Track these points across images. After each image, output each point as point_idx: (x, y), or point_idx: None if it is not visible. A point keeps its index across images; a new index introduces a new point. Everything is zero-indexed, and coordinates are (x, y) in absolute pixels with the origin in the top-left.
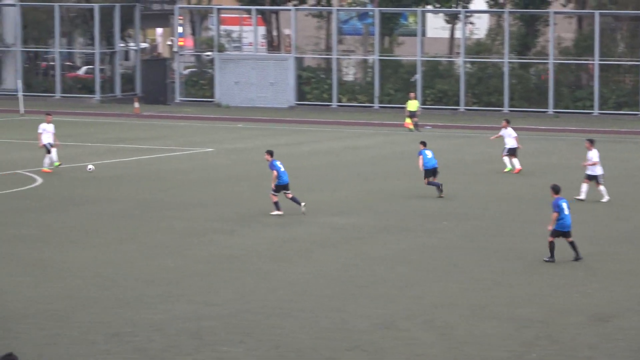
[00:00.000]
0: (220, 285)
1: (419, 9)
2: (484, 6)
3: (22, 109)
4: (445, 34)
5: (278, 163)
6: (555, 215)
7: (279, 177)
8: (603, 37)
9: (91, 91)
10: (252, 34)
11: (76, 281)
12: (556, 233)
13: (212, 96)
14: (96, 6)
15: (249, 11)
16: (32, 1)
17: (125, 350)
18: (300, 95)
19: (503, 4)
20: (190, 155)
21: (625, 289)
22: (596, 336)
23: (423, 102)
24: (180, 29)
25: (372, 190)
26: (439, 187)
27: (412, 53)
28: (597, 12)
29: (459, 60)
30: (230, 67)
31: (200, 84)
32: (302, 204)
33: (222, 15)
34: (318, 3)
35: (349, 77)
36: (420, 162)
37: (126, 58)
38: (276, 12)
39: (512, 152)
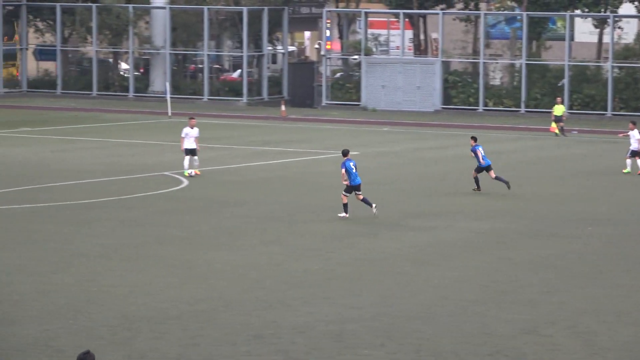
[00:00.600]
0: (363, 288)
1: (567, 14)
2: (633, 11)
3: (169, 111)
4: (593, 39)
5: (351, 164)
6: None
7: (350, 178)
8: None
9: (238, 94)
10: (399, 37)
11: (220, 282)
12: None
13: (358, 99)
14: (245, 9)
15: (396, 15)
16: (182, 4)
17: (267, 352)
18: (446, 99)
19: None
20: (335, 158)
21: None
22: None
23: (570, 107)
24: (328, 33)
25: (516, 194)
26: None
27: (559, 57)
28: None
29: (607, 65)
30: (377, 71)
31: (347, 87)
32: (374, 205)
33: (370, 18)
34: (466, 7)
35: (496, 81)
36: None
37: (274, 61)
38: (424, 15)
39: (635, 154)
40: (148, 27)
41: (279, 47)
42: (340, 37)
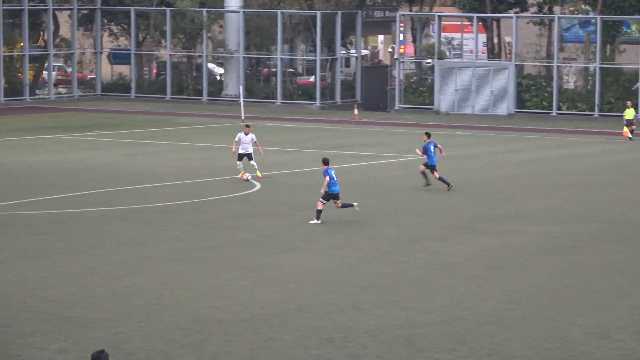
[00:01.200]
0: (435, 292)
1: None
2: None
3: (243, 115)
4: None
5: (332, 172)
6: None
7: (329, 185)
8: None
9: (311, 97)
10: (473, 41)
11: (292, 286)
12: None
13: (431, 103)
14: (318, 13)
15: (470, 18)
16: (255, 8)
17: (338, 355)
18: (520, 102)
19: None
20: (407, 162)
21: None
22: None
23: None
24: (401, 36)
25: (589, 199)
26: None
27: (633, 61)
28: None
29: None
30: (450, 74)
31: (420, 90)
32: (355, 204)
33: (443, 22)
34: (540, 11)
35: (569, 85)
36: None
37: (347, 65)
38: (497, 19)
39: None
40: (222, 30)
41: (352, 51)
42: (414, 41)
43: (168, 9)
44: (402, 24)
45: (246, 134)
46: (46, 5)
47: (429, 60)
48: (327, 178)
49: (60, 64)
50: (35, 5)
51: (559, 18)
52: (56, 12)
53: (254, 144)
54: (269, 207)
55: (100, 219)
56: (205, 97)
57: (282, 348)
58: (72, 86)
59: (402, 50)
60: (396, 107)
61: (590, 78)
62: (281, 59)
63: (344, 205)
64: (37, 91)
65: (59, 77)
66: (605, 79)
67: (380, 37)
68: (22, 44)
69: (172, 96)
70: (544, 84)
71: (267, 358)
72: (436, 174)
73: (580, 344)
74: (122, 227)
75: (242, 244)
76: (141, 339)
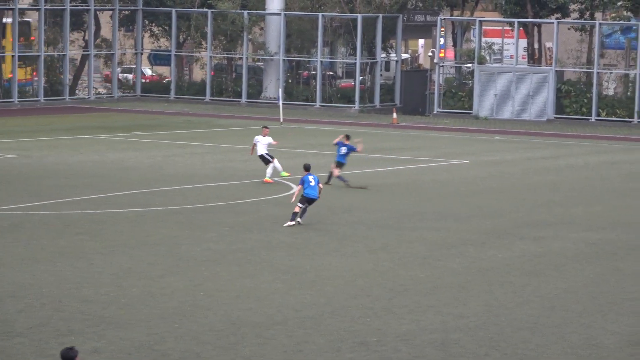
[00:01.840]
0: (470, 297)
1: None
2: None
3: (281, 117)
4: None
5: (310, 177)
6: None
7: (306, 189)
8: None
9: (351, 101)
10: (513, 46)
11: (327, 289)
12: None
13: (470, 108)
14: (359, 16)
15: (511, 23)
16: (297, 10)
17: (370, 359)
18: (559, 108)
19: None
20: (446, 166)
21: None
22: None
23: None
24: (441, 41)
25: (628, 205)
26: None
27: None
28: None
29: None
30: (490, 79)
31: (459, 95)
32: (300, 220)
33: (484, 27)
34: (581, 16)
35: (609, 91)
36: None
37: (387, 68)
38: (538, 24)
39: None
40: (262, 33)
41: (393, 55)
42: (454, 45)
43: (209, 11)
44: (442, 28)
45: (265, 135)
46: (88, 6)
47: (469, 65)
48: (299, 187)
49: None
50: (77, 6)
51: (600, 24)
52: (98, 12)
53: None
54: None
55: (138, 219)
56: (244, 99)
57: (315, 351)
58: (112, 86)
59: (442, 55)
60: (435, 112)
61: (630, 85)
62: (321, 62)
63: (303, 211)
64: (76, 91)
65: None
66: None
67: (421, 41)
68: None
69: (212, 97)
70: (584, 90)
71: None
72: (337, 171)
73: (613, 351)
74: (158, 228)
75: (278, 247)
76: (174, 340)
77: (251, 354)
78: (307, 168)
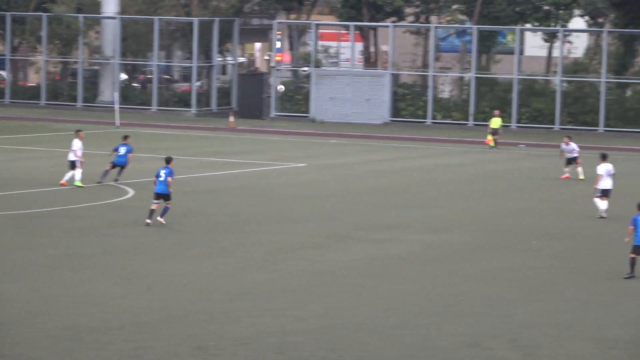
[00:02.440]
0: (308, 300)
1: (517, 27)
2: (582, 25)
3: (117, 121)
4: (543, 53)
5: (162, 172)
6: (630, 229)
7: (156, 184)
8: None
9: (187, 104)
10: (350, 49)
11: (165, 293)
12: (634, 249)
13: (307, 111)
14: (195, 20)
15: (347, 27)
16: (132, 14)
17: None
18: (395, 111)
19: (602, 24)
20: (283, 170)
21: None
22: None
23: (518, 121)
24: (278, 44)
25: (464, 208)
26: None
27: (508, 71)
28: None
29: (556, 79)
30: (326, 83)
31: (296, 98)
32: (161, 218)
33: (321, 30)
34: (416, 20)
35: (445, 94)
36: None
37: (223, 72)
38: (374, 28)
39: (572, 161)
40: (98, 36)
41: (229, 58)
42: (291, 49)
43: (44, 15)
44: (279, 32)
45: (80, 139)
46: None
47: (305, 69)
48: (155, 179)
49: None
50: None
51: (436, 27)
52: None
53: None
54: (144, 214)
55: None
56: (80, 103)
57: (152, 356)
58: None
59: (278, 58)
60: (272, 115)
61: (465, 88)
62: (157, 65)
63: (152, 211)
64: None
65: None
66: (480, 89)
67: (258, 45)
68: None
69: (47, 102)
70: (420, 93)
71: None
72: (109, 167)
73: (450, 352)
74: None
75: (115, 251)
76: (10, 347)
77: (88, 359)
78: (167, 161)
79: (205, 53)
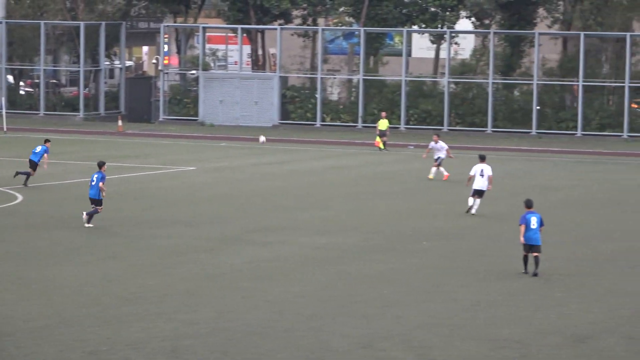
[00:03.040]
0: (201, 303)
1: (404, 29)
2: (469, 27)
3: (5, 126)
4: (430, 54)
5: (95, 176)
6: (522, 227)
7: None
8: (588, 58)
9: (75, 109)
10: (238, 52)
11: (57, 299)
12: (526, 247)
13: (196, 115)
14: (82, 24)
15: (234, 30)
16: (18, 18)
17: None
18: (284, 114)
19: (489, 25)
20: (173, 173)
21: (604, 310)
22: (573, 357)
23: (407, 122)
24: (165, 48)
25: (354, 209)
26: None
27: (396, 73)
28: (582, 34)
29: (444, 81)
30: (215, 86)
31: (185, 102)
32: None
33: (208, 33)
34: (304, 22)
35: (334, 97)
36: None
37: (111, 76)
38: (262, 31)
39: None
40: None
41: (117, 62)
42: (178, 52)
43: None
44: (166, 35)
45: None
46: None
47: (194, 72)
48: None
49: None
50: None
51: (323, 30)
52: None
53: None
54: (34, 219)
55: None
56: None
57: None
58: None
59: (166, 62)
60: (160, 119)
61: (353, 90)
62: (44, 70)
63: (90, 213)
64: None
65: None
66: (368, 91)
67: (145, 49)
68: None
69: None
70: (309, 95)
71: None
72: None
73: (343, 354)
74: None
75: (5, 257)
76: None
77: None
78: (99, 165)
79: (93, 57)
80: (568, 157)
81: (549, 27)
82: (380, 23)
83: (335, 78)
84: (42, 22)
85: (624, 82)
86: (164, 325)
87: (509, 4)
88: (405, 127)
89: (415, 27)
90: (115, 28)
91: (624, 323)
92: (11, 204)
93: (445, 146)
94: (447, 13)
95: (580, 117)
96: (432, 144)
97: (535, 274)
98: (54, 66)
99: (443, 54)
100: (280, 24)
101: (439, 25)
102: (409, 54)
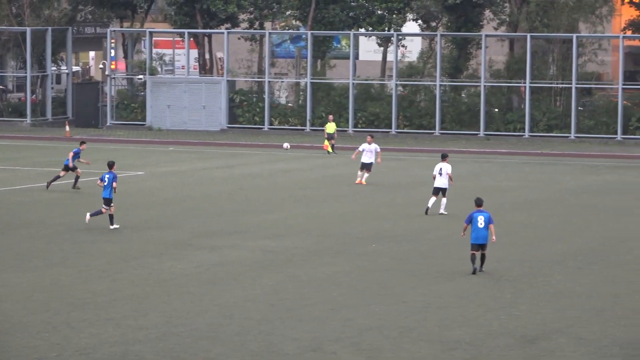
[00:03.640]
0: (150, 308)
1: (351, 32)
2: (416, 29)
3: None
4: (378, 57)
5: (106, 177)
6: (465, 225)
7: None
8: (534, 59)
9: (22, 115)
10: (185, 57)
11: (5, 305)
12: (474, 246)
13: (144, 119)
14: (28, 29)
15: (181, 34)
16: None
17: None
18: (232, 118)
19: (435, 27)
20: (121, 178)
21: (554, 311)
22: (523, 358)
23: (355, 125)
24: (112, 52)
25: (303, 213)
26: None
27: (344, 76)
28: (528, 35)
29: (391, 83)
30: (163, 90)
31: (132, 107)
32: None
33: (155, 38)
34: (251, 26)
35: (281, 100)
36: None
37: (58, 81)
38: (209, 35)
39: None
40: None
41: (63, 67)
42: (125, 57)
43: None
44: (113, 40)
45: None
46: None
47: (141, 77)
48: (100, 182)
49: None
50: None
51: (270, 34)
52: None
53: None
54: None
55: None
56: None
57: None
58: None
59: (113, 67)
60: (108, 124)
61: (301, 93)
62: None
63: (95, 214)
64: None
65: None
66: (316, 94)
67: (92, 54)
68: None
69: None
70: (256, 99)
71: None
72: None
73: (293, 357)
74: None
75: None
76: None
77: None
78: (110, 165)
79: (40, 62)
80: (516, 159)
81: (496, 29)
82: (327, 26)
83: (282, 82)
84: None
85: (570, 83)
86: (113, 330)
87: (455, 7)
88: (354, 130)
89: (362, 30)
90: (61, 33)
91: (573, 324)
92: None
93: (378, 149)
94: (394, 16)
95: (528, 118)
96: (365, 145)
97: (481, 270)
98: (1, 72)
99: (390, 57)
100: (227, 28)
101: (386, 28)
102: (356, 57)
